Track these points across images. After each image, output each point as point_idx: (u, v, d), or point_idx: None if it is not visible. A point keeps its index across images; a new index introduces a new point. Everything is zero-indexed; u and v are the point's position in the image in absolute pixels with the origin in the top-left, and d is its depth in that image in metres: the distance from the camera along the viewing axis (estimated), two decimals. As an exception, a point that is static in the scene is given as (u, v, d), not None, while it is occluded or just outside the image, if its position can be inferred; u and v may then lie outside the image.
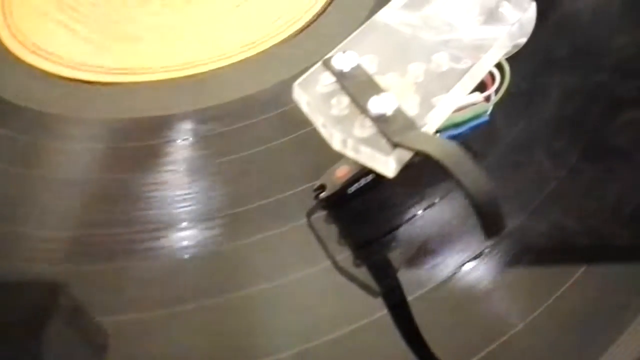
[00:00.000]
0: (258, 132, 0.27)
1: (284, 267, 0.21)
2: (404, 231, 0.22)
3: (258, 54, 0.31)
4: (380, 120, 0.18)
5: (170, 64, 0.31)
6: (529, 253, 0.21)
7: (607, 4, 0.31)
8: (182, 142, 0.27)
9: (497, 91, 0.22)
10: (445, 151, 0.16)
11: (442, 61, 0.20)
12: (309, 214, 0.23)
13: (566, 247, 0.21)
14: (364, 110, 0.18)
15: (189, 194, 0.24)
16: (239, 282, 0.21)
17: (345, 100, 0.19)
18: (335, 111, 0.19)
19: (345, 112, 0.19)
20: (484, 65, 0.21)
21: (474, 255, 0.21)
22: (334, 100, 0.19)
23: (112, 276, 0.22)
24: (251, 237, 0.22)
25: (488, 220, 0.15)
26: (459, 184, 0.15)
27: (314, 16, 0.32)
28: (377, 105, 0.18)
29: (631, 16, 0.30)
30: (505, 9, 0.23)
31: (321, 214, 0.23)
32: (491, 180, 0.15)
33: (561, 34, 0.30)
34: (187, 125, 0.28)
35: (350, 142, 0.18)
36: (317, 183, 0.23)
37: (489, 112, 0.23)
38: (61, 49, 0.32)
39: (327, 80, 0.20)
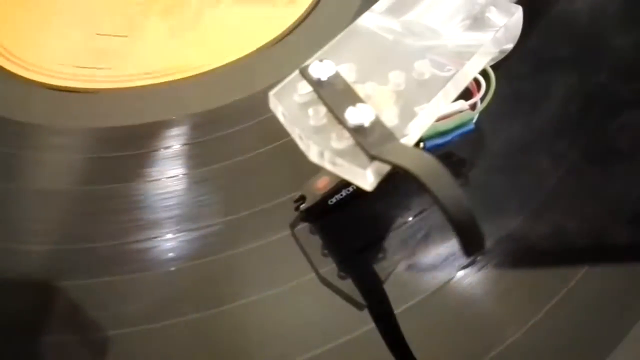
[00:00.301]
0: (242, 140, 0.26)
1: (268, 280, 0.21)
2: (393, 240, 0.22)
3: (242, 58, 0.30)
4: (357, 132, 0.17)
5: (151, 70, 0.30)
6: (526, 256, 0.21)
7: (605, 4, 0.31)
8: (164, 151, 0.26)
9: (482, 99, 0.22)
10: (422, 166, 0.15)
11: (424, 69, 0.20)
12: (293, 225, 0.22)
13: (565, 250, 0.21)
14: (341, 121, 0.18)
15: (172, 205, 0.24)
16: (223, 296, 0.21)
17: (322, 110, 0.18)
18: (312, 121, 0.18)
19: (323, 122, 0.18)
20: (468, 73, 0.20)
21: (468, 260, 0.20)
22: (310, 111, 0.18)
23: (96, 291, 0.21)
24: (235, 249, 0.22)
25: (466, 238, 0.14)
26: (436, 201, 0.14)
27: (298, 19, 0.31)
28: (355, 116, 0.17)
29: (630, 16, 0.30)
30: (492, 14, 0.22)
31: (305, 224, 0.22)
32: (469, 198, 0.14)
33: (559, 35, 0.29)
34: (169, 134, 0.27)
35: (327, 154, 0.18)
36: (297, 194, 0.22)
37: (475, 120, 0.22)
38: (37, 55, 0.31)
39: (304, 90, 0.19)
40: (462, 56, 0.20)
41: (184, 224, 0.23)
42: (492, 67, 0.22)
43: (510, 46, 0.22)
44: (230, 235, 0.22)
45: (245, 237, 0.22)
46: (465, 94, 0.22)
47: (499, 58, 0.23)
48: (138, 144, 0.26)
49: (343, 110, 0.18)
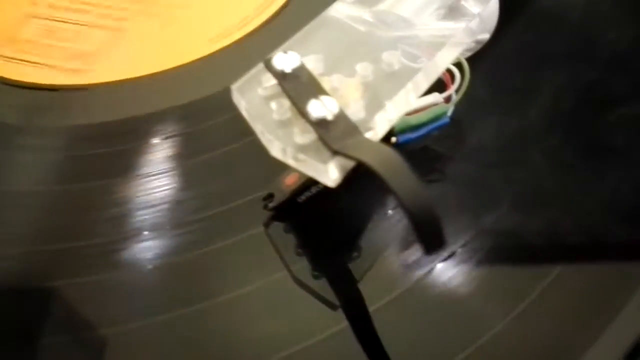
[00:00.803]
0: (217, 135, 0.26)
1: (241, 279, 0.20)
2: (368, 236, 0.21)
3: (218, 51, 0.29)
4: (320, 126, 0.17)
5: (128, 64, 0.29)
6: (504, 250, 0.20)
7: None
8: (137, 149, 0.25)
9: (457, 91, 0.21)
10: (383, 161, 0.14)
11: (393, 60, 0.19)
12: (267, 224, 0.22)
13: (546, 243, 0.21)
14: (305, 115, 0.17)
15: (146, 202, 0.23)
16: (196, 295, 0.20)
17: (286, 103, 0.18)
18: (276, 115, 0.18)
19: (286, 116, 0.18)
20: (439, 63, 0.19)
21: (446, 255, 0.20)
22: (273, 104, 0.18)
23: (72, 292, 0.21)
24: (209, 246, 0.21)
25: (426, 236, 0.13)
26: (395, 197, 0.14)
27: (277, 11, 0.31)
28: (317, 109, 0.17)
29: (623, 11, 0.29)
30: (467, 3, 0.21)
31: (279, 223, 0.22)
32: (430, 193, 0.14)
33: (552, 30, 0.28)
34: (142, 130, 0.26)
35: (289, 150, 0.17)
36: (266, 192, 0.21)
37: (450, 114, 0.21)
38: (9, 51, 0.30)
39: (268, 82, 0.18)
40: (434, 47, 0.20)
41: (158, 221, 0.22)
42: (475, 58, 0.22)
43: (486, 36, 0.22)
44: (204, 233, 0.22)
45: (219, 234, 0.22)
46: (441, 87, 0.21)
47: (476, 49, 0.22)
48: (110, 142, 0.26)
49: (306, 104, 0.17)
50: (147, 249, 0.22)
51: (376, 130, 0.17)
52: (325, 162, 0.16)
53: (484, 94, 0.25)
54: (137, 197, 0.23)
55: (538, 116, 0.25)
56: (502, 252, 0.20)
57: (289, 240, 0.21)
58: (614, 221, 0.21)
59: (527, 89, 0.26)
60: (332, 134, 0.16)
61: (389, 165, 0.14)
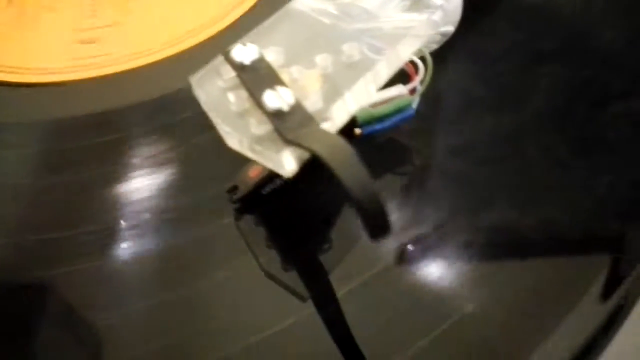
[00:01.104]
0: (189, 128, 0.25)
1: (211, 270, 0.20)
2: (339, 226, 0.21)
3: (195, 47, 0.30)
4: (276, 117, 0.17)
5: (97, 60, 0.29)
6: (474, 242, 0.20)
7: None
8: (108, 142, 0.25)
9: (421, 83, 0.21)
10: (332, 151, 0.14)
11: (353, 52, 0.19)
12: (237, 217, 0.22)
13: (516, 236, 0.21)
14: (261, 106, 0.17)
15: (119, 195, 0.23)
16: (169, 285, 0.20)
17: (244, 95, 0.18)
18: (234, 107, 0.18)
19: (243, 108, 0.18)
20: (401, 55, 0.19)
21: (414, 239, 0.20)
22: (231, 96, 0.18)
23: (48, 285, 0.21)
24: (181, 237, 0.22)
25: (371, 222, 0.13)
26: (343, 186, 0.14)
27: (250, 8, 0.31)
28: (273, 100, 0.17)
29: (619, 8, 0.29)
30: (433, -6, 0.21)
31: (250, 215, 0.22)
32: (376, 183, 0.14)
33: (548, 27, 0.28)
34: (114, 124, 0.26)
35: (245, 141, 0.17)
36: (230, 184, 0.21)
37: (414, 106, 0.21)
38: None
39: (227, 75, 0.18)
40: (397, 39, 0.20)
41: (134, 213, 0.23)
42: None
43: (450, 29, 0.22)
44: (176, 225, 0.22)
45: (190, 226, 0.22)
46: (406, 80, 0.21)
47: (442, 41, 0.22)
48: (81, 136, 0.26)
49: (262, 95, 0.17)
50: (122, 240, 0.22)
51: (334, 121, 0.18)
52: (279, 152, 0.16)
53: (476, 91, 0.25)
54: (109, 191, 0.23)
55: (530, 113, 0.25)
56: (474, 242, 0.20)
57: (259, 233, 0.21)
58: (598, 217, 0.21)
59: (518, 85, 0.26)
60: (287, 125, 0.16)
61: (338, 154, 0.14)
